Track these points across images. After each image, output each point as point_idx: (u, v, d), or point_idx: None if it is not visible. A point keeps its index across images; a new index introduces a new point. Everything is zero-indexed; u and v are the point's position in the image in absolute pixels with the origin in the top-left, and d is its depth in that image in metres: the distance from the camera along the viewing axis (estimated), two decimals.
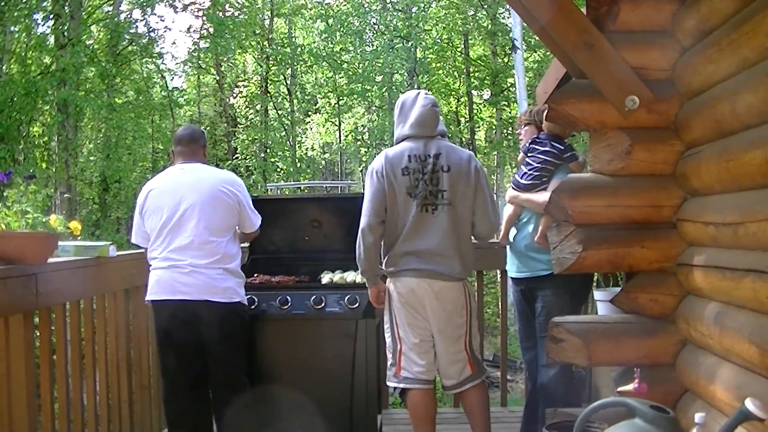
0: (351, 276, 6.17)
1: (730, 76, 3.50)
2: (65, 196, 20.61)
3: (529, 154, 5.58)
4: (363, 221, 5.28)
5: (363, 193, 5.39)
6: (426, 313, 5.23)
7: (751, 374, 3.32)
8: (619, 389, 4.05)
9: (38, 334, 4.76)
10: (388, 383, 5.48)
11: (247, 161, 26.99)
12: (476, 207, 5.27)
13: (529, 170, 5.50)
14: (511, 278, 5.87)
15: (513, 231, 5.66)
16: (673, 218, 4.19)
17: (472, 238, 5.43)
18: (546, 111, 4.55)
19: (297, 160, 27.32)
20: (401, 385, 5.34)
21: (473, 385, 5.35)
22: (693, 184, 3.98)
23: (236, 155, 27.31)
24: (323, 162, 33.32)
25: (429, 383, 5.36)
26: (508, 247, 5.79)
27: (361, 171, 31.09)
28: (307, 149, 29.98)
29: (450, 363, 5.31)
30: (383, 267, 5.39)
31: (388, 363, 5.45)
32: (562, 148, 5.48)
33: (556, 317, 4.53)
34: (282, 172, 26.81)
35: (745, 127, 3.34)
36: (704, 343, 3.83)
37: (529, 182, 5.46)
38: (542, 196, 5.10)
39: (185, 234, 5.32)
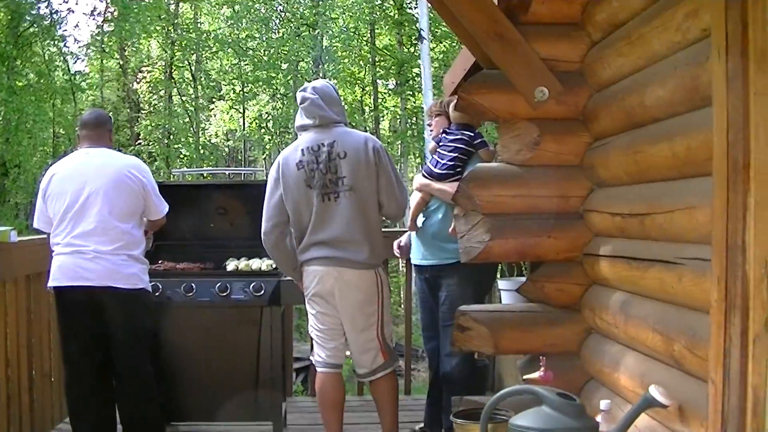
0: (256, 263, 6.15)
1: (640, 70, 3.54)
2: None
3: (440, 144, 5.58)
4: (262, 227, 5.33)
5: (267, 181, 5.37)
6: (335, 301, 5.19)
7: (654, 362, 3.38)
8: (525, 377, 4.09)
9: None
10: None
11: (150, 147, 26.72)
12: (381, 187, 5.21)
13: (443, 159, 5.49)
14: (415, 266, 5.86)
15: (420, 218, 5.65)
16: (580, 209, 4.23)
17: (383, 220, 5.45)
18: (456, 101, 4.57)
19: (200, 147, 27.13)
20: (317, 368, 5.36)
21: (385, 374, 5.36)
22: (600, 175, 4.04)
23: (139, 141, 26.99)
24: (227, 149, 33.02)
25: (336, 367, 5.36)
26: (414, 234, 5.78)
27: (264, 159, 30.99)
28: (210, 136, 29.71)
29: (362, 351, 5.29)
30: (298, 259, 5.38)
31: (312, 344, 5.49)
32: (473, 134, 5.50)
33: (462, 306, 4.56)
34: (185, 158, 26.62)
35: (654, 120, 3.39)
36: (609, 332, 3.88)
37: (443, 171, 5.42)
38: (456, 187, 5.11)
39: (89, 219, 5.22)
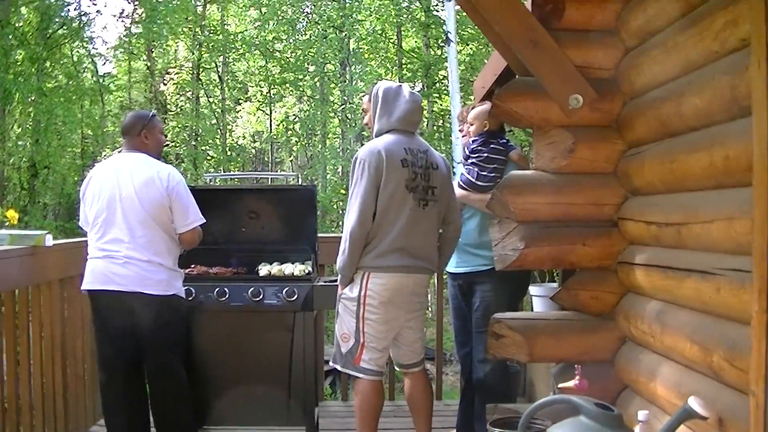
0: (289, 268, 6.16)
1: (675, 78, 3.53)
2: None
3: (474, 153, 5.53)
4: (354, 220, 4.95)
5: (301, 186, 5.31)
6: (404, 308, 5.12)
7: (691, 372, 3.37)
8: (560, 385, 4.08)
9: None
10: (342, 368, 5.20)
11: (177, 149, 26.77)
12: (451, 206, 5.25)
13: (483, 171, 5.45)
14: (450, 273, 5.85)
15: None
16: (614, 216, 4.23)
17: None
18: (491, 108, 4.56)
19: (228, 149, 27.17)
20: (360, 375, 5.10)
21: (420, 370, 5.35)
22: (635, 183, 4.03)
23: (166, 142, 27.04)
24: (253, 151, 33.05)
25: (382, 374, 5.27)
26: None
27: (291, 161, 31.04)
28: (237, 138, 29.75)
29: (414, 350, 5.31)
30: (363, 260, 5.06)
31: (342, 350, 5.15)
32: (506, 141, 5.52)
33: (497, 313, 4.57)
34: (212, 160, 26.66)
35: (690, 129, 3.38)
36: (644, 341, 3.87)
37: (486, 184, 5.37)
38: None
39: (119, 226, 5.25)
